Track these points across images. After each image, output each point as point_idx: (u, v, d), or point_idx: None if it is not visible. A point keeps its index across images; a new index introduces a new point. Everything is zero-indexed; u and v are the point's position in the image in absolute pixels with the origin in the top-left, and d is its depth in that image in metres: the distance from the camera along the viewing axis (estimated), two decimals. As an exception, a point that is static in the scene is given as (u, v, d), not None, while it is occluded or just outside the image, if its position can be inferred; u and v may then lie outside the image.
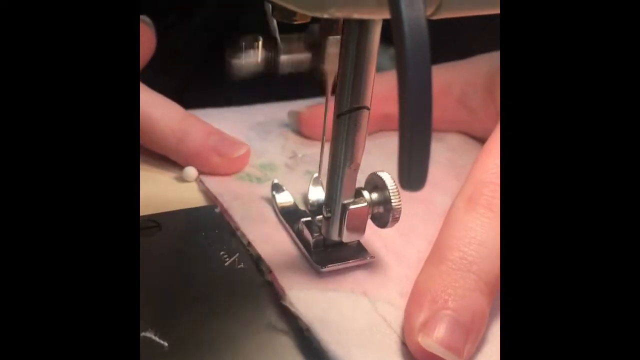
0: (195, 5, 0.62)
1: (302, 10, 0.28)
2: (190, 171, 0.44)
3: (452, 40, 0.47)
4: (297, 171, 0.47)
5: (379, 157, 0.45)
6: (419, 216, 0.42)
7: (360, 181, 0.36)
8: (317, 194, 0.40)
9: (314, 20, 0.31)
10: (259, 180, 0.45)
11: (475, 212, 0.34)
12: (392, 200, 0.35)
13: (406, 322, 0.32)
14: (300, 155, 0.48)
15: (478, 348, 0.33)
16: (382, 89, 0.38)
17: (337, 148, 0.34)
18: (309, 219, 0.38)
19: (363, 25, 0.31)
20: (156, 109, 0.45)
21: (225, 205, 0.41)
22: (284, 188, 0.42)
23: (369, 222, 0.36)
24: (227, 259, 0.37)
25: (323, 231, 0.37)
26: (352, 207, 0.35)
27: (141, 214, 0.38)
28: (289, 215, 0.40)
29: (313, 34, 0.35)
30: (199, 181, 0.44)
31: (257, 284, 0.36)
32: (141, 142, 0.44)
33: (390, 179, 0.35)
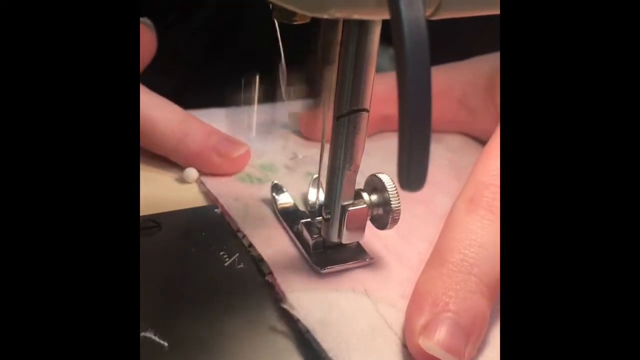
0: (195, 5, 0.62)
1: (302, 10, 0.28)
2: (191, 172, 0.44)
3: (451, 40, 0.47)
4: (298, 172, 0.47)
5: (378, 158, 0.45)
6: (420, 217, 0.42)
7: (360, 183, 0.36)
8: (317, 195, 0.40)
9: (314, 20, 0.31)
10: (259, 180, 0.45)
11: (475, 214, 0.34)
12: (392, 202, 0.35)
13: (407, 325, 0.32)
14: (300, 157, 0.48)
15: (479, 350, 0.33)
16: (381, 90, 0.38)
17: (336, 150, 0.34)
18: (309, 220, 0.38)
19: (363, 26, 0.31)
20: (156, 110, 0.45)
21: (226, 206, 0.41)
22: (284, 189, 0.42)
23: (369, 223, 0.36)
24: (227, 259, 0.38)
25: (323, 232, 0.37)
26: (351, 208, 0.35)
27: (141, 214, 0.38)
28: (288, 216, 0.40)
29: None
30: (199, 182, 0.44)
31: (257, 284, 0.36)
32: (141, 143, 0.44)
33: (389, 181, 0.35)
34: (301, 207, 0.41)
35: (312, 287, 0.35)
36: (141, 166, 0.44)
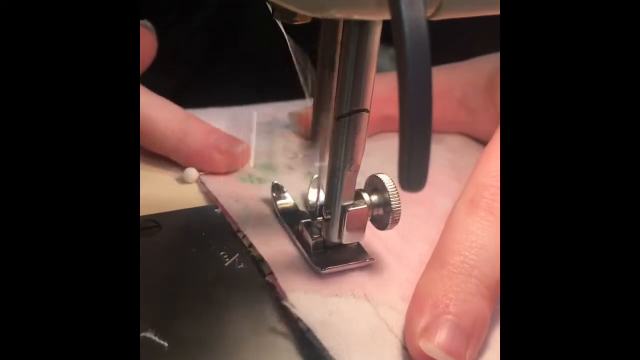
0: (195, 5, 0.62)
1: (303, 11, 0.28)
2: (191, 172, 0.44)
3: (452, 41, 0.47)
4: (298, 172, 0.47)
5: (379, 158, 0.45)
6: (420, 218, 0.42)
7: (360, 183, 0.36)
8: (317, 195, 0.40)
9: (315, 20, 0.31)
10: (259, 180, 0.45)
11: (476, 215, 0.34)
12: (392, 202, 0.35)
13: (407, 327, 0.32)
14: (301, 157, 0.48)
15: (479, 353, 0.33)
16: (382, 90, 0.38)
17: (336, 150, 0.34)
18: (309, 220, 0.38)
19: (363, 26, 0.31)
20: (156, 110, 0.45)
21: (226, 206, 0.41)
22: (284, 189, 0.42)
23: (369, 224, 0.36)
24: (227, 259, 0.37)
25: (323, 233, 0.37)
26: (351, 209, 0.35)
27: (141, 214, 0.38)
28: (289, 217, 0.40)
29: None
30: (199, 182, 0.44)
31: (257, 284, 0.36)
32: (142, 143, 0.44)
33: (389, 181, 0.35)
34: (301, 207, 0.41)
35: (312, 290, 0.35)
36: (141, 166, 0.44)
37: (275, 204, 0.41)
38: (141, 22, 0.49)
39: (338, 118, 0.33)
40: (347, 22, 0.31)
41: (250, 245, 0.38)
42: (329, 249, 0.37)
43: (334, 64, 0.34)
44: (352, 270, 0.37)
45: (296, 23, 0.31)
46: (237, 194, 0.43)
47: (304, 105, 0.53)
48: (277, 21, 0.32)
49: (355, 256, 0.37)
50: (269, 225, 0.40)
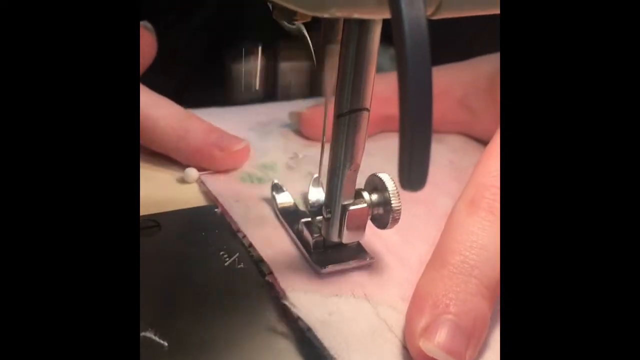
0: (195, 5, 0.62)
1: (303, 10, 0.28)
2: (191, 172, 0.44)
3: (452, 40, 0.47)
4: (298, 172, 0.47)
5: (379, 158, 0.45)
6: (420, 218, 0.42)
7: (361, 182, 0.36)
8: (317, 194, 0.40)
9: (315, 20, 0.31)
10: (260, 180, 0.45)
11: (476, 215, 0.34)
12: (392, 202, 0.35)
13: (407, 327, 0.32)
14: (301, 156, 0.48)
15: (479, 353, 0.33)
16: (383, 90, 0.38)
17: (336, 149, 0.34)
18: (309, 219, 0.38)
19: (363, 25, 0.31)
20: (156, 109, 0.45)
21: (226, 206, 0.41)
22: (284, 188, 0.42)
23: (370, 223, 0.36)
24: (227, 259, 0.37)
25: (323, 232, 0.37)
26: (352, 208, 0.35)
27: (141, 213, 0.38)
28: (289, 216, 0.40)
29: (313, 42, 0.35)
30: (199, 182, 0.44)
31: (257, 284, 0.36)
32: (142, 142, 0.45)
33: (390, 180, 0.35)
34: (301, 207, 0.41)
35: (312, 289, 0.35)
36: (141, 166, 0.44)
37: (275, 203, 0.41)
38: (141, 22, 0.49)
39: (338, 117, 0.33)
40: (347, 21, 0.31)
41: (250, 245, 0.38)
42: (329, 248, 0.37)
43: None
44: (352, 269, 0.37)
45: (296, 22, 0.31)
46: (238, 193, 0.43)
47: (304, 105, 0.53)
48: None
49: (356, 255, 0.37)
50: (269, 224, 0.40)
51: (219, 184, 0.44)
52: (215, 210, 0.42)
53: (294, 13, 0.30)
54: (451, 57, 0.51)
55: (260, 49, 0.33)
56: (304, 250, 0.37)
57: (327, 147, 0.35)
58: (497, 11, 0.28)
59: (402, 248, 0.39)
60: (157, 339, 0.31)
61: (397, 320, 0.34)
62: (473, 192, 0.35)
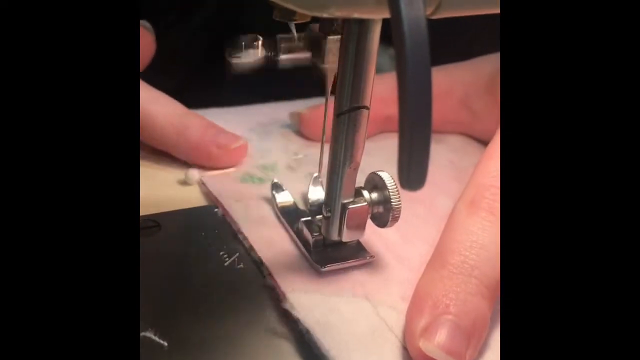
0: (195, 5, 0.62)
1: (302, 9, 0.28)
2: (193, 173, 0.44)
3: (452, 40, 0.47)
4: (299, 172, 0.47)
5: (380, 158, 0.45)
6: (421, 218, 0.42)
7: (360, 181, 0.36)
8: (317, 193, 0.40)
9: (314, 19, 0.31)
10: (260, 180, 0.45)
11: (476, 215, 0.34)
12: (392, 200, 0.35)
13: (407, 327, 0.32)
14: (301, 156, 0.48)
15: (479, 353, 0.32)
16: (383, 90, 0.38)
17: (336, 148, 0.34)
18: (309, 218, 0.38)
19: (363, 25, 0.31)
20: (156, 105, 0.45)
21: (227, 206, 0.41)
22: (284, 188, 0.42)
23: (370, 223, 0.36)
24: (227, 259, 0.37)
25: (323, 231, 0.37)
26: (351, 206, 0.35)
27: (141, 214, 0.38)
28: (288, 215, 0.40)
29: (313, 33, 0.35)
30: (200, 184, 0.44)
31: (256, 284, 0.36)
32: (141, 138, 0.45)
33: (389, 179, 0.35)
34: (301, 206, 0.41)
35: (313, 289, 0.35)
36: (142, 166, 0.44)
37: (275, 202, 0.41)
38: (140, 22, 0.49)
39: (338, 115, 0.33)
40: (347, 21, 0.31)
41: (251, 247, 0.38)
42: (329, 246, 0.37)
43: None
44: (352, 269, 0.37)
45: (296, 22, 0.31)
46: (238, 194, 0.43)
47: (304, 105, 0.53)
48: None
49: (355, 254, 0.37)
50: (269, 224, 0.40)
51: (219, 185, 0.44)
52: (215, 210, 0.42)
53: (294, 13, 0.30)
54: (451, 57, 0.51)
55: (260, 43, 0.33)
56: (303, 250, 0.37)
57: (327, 146, 0.36)
58: (497, 11, 0.28)
59: (402, 247, 0.39)
60: (157, 339, 0.31)
61: (397, 320, 0.34)
62: (473, 192, 0.35)
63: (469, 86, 0.50)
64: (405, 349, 0.32)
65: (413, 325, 0.32)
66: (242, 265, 0.37)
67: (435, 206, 0.43)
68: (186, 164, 0.46)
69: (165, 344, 0.31)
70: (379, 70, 0.34)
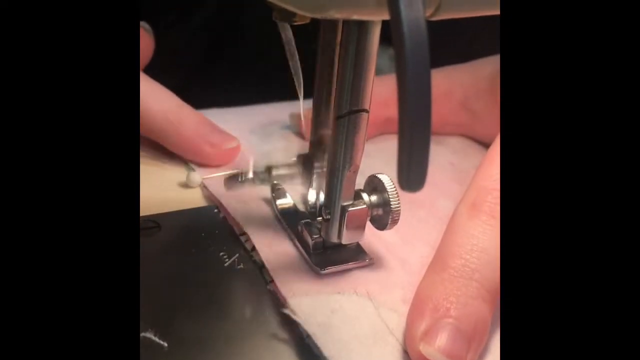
0: (195, 5, 0.62)
1: (302, 11, 0.28)
2: (195, 176, 0.44)
3: (452, 41, 0.47)
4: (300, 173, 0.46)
5: (379, 160, 0.45)
6: (421, 220, 0.42)
7: (360, 183, 0.36)
8: (317, 195, 0.40)
9: (314, 21, 0.31)
10: (261, 181, 0.45)
11: (477, 219, 0.34)
12: (391, 202, 0.35)
13: (408, 330, 0.32)
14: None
15: (480, 357, 0.32)
16: (383, 92, 0.38)
17: (336, 150, 0.34)
18: (309, 220, 0.38)
19: (362, 27, 0.31)
20: (152, 96, 0.45)
21: (228, 207, 0.41)
22: (284, 189, 0.42)
23: (369, 224, 0.36)
24: (227, 260, 0.37)
25: (322, 233, 0.37)
26: (351, 209, 0.35)
27: (141, 214, 0.38)
28: (288, 217, 0.40)
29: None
30: (202, 187, 0.44)
31: (256, 284, 0.36)
32: None
33: (389, 181, 0.35)
34: (301, 208, 0.41)
35: (314, 290, 0.35)
36: (142, 167, 0.44)
37: (275, 204, 0.41)
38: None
39: (337, 118, 0.33)
40: (347, 23, 0.31)
41: (253, 249, 0.38)
42: (328, 249, 0.37)
43: (333, 64, 0.34)
44: (353, 271, 0.37)
45: (295, 23, 0.31)
46: (239, 194, 0.43)
47: (305, 106, 0.53)
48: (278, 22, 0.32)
49: (355, 256, 0.37)
50: (269, 226, 0.40)
51: (220, 186, 0.44)
52: (215, 211, 0.42)
53: (293, 14, 0.30)
54: (451, 59, 0.51)
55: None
56: (303, 252, 0.37)
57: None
58: (497, 12, 0.28)
59: (402, 249, 0.39)
60: (157, 339, 0.31)
61: (397, 324, 0.34)
62: (474, 195, 0.35)
63: (468, 88, 0.50)
64: (406, 352, 0.32)
65: (414, 329, 0.32)
66: (242, 266, 0.37)
67: (436, 208, 0.43)
68: (187, 166, 0.46)
69: (165, 344, 0.31)
70: (378, 71, 0.34)
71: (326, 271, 0.36)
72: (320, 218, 0.37)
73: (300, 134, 0.51)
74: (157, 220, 0.40)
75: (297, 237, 0.38)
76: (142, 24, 0.49)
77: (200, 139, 0.45)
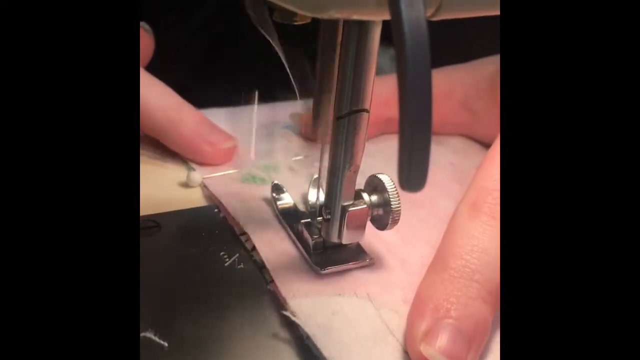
0: (195, 5, 0.62)
1: (302, 11, 0.28)
2: (195, 176, 0.44)
3: (453, 41, 0.47)
4: (300, 173, 0.47)
5: (380, 160, 0.45)
6: (422, 220, 0.42)
7: (361, 183, 0.36)
8: (317, 195, 0.40)
9: (314, 20, 0.31)
10: (262, 181, 0.45)
11: (478, 219, 0.34)
12: (392, 202, 0.35)
13: (408, 331, 0.32)
14: (302, 157, 0.48)
15: (481, 357, 0.32)
16: (383, 92, 0.38)
17: (336, 150, 0.34)
18: (309, 220, 0.38)
19: (363, 27, 0.31)
20: (151, 93, 0.45)
21: (228, 207, 0.41)
22: (284, 189, 0.42)
23: (370, 225, 0.36)
24: (227, 259, 0.37)
25: (323, 233, 0.37)
26: (351, 209, 0.35)
27: (141, 214, 0.38)
28: (289, 217, 0.40)
29: None
30: (202, 186, 0.44)
31: (257, 284, 0.36)
32: None
33: (389, 181, 0.35)
34: (301, 208, 0.41)
35: (314, 291, 0.35)
36: (142, 166, 0.44)
37: (275, 204, 0.41)
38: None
39: (338, 118, 0.33)
40: (347, 22, 0.31)
41: (253, 248, 0.38)
42: (328, 249, 0.37)
43: (333, 64, 0.34)
44: (353, 271, 0.37)
45: (296, 23, 0.31)
46: (240, 194, 0.43)
47: (305, 106, 0.53)
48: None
49: (355, 256, 0.37)
50: (269, 226, 0.40)
51: (220, 185, 0.44)
52: (215, 210, 0.42)
53: (294, 14, 0.30)
54: (452, 59, 0.51)
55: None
56: (303, 251, 0.37)
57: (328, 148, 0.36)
58: (497, 12, 0.28)
59: (402, 249, 0.39)
60: (157, 339, 0.31)
61: (398, 324, 0.34)
62: (475, 195, 0.35)
63: (469, 88, 0.50)
64: (406, 353, 0.32)
65: (414, 329, 0.32)
66: (242, 266, 0.37)
67: (437, 208, 0.43)
68: (187, 165, 0.46)
69: (165, 344, 0.31)
70: (378, 71, 0.34)
71: (326, 271, 0.36)
72: (321, 218, 0.37)
73: (300, 134, 0.51)
74: (157, 220, 0.40)
75: (297, 237, 0.38)
76: (142, 24, 0.49)
77: (199, 138, 0.45)
